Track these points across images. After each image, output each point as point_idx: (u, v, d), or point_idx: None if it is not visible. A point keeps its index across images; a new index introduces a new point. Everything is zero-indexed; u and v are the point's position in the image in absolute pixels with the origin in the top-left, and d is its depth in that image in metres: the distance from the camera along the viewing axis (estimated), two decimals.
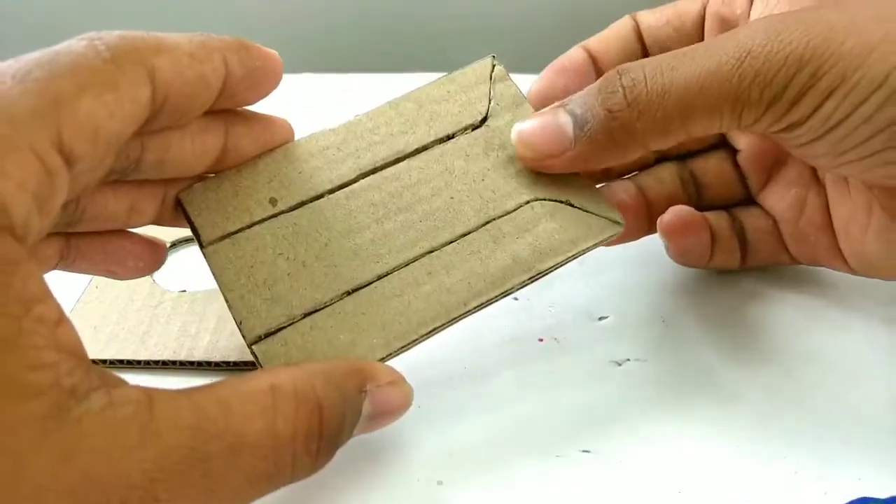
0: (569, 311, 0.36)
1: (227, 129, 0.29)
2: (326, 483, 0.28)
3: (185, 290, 0.37)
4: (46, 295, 0.20)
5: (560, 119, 0.30)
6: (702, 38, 0.34)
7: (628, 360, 0.33)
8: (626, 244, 0.37)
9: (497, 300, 0.29)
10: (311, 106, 0.49)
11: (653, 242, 0.39)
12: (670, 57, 0.28)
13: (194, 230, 0.29)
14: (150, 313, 0.36)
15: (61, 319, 0.20)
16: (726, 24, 0.33)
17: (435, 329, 0.28)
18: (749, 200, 0.37)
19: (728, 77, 0.27)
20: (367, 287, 0.28)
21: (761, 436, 0.30)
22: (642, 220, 0.36)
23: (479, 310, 0.28)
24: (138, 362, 0.33)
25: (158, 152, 0.27)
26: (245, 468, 0.22)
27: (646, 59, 0.29)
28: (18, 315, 0.19)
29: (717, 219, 0.36)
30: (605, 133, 0.29)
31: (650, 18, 0.35)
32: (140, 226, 0.30)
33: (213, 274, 0.28)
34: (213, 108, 0.27)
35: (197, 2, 0.63)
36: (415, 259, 0.29)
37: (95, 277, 0.37)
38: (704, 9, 0.34)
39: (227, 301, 0.28)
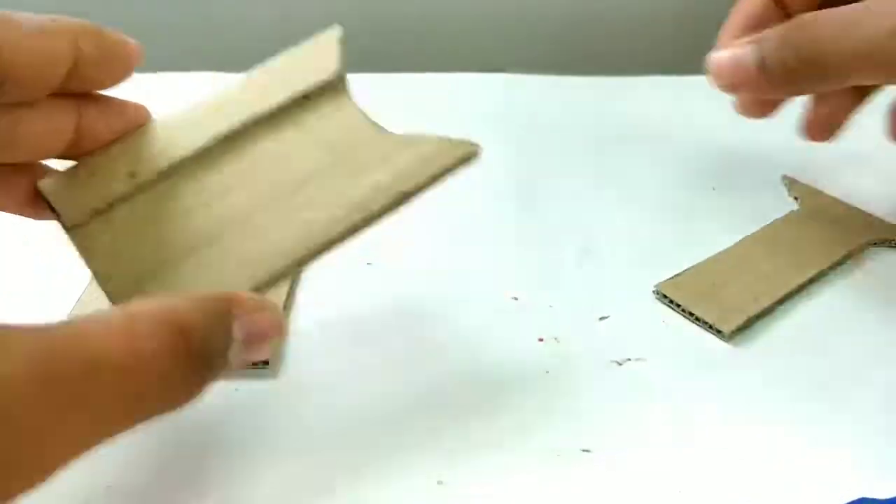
0: (569, 311, 0.36)
1: (81, 111, 0.29)
2: (325, 481, 0.28)
3: None
4: None
5: (749, 57, 0.35)
6: None
7: (629, 359, 0.33)
8: (628, 241, 0.37)
9: (363, 227, 0.29)
10: None
11: (653, 242, 0.39)
12: (839, 15, 0.33)
13: (56, 214, 0.29)
14: None
15: None
16: None
17: (300, 259, 0.28)
18: None
19: (886, 42, 0.32)
20: (226, 235, 0.29)
21: (761, 436, 0.30)
22: None
23: (344, 238, 0.28)
24: None
25: (8, 128, 0.27)
26: (110, 389, 0.21)
27: (818, 15, 0.33)
28: None
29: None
30: (781, 77, 0.35)
31: None
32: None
33: (80, 254, 0.28)
34: (65, 90, 0.28)
35: (197, 2, 0.63)
36: (274, 206, 0.29)
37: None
38: None
39: (95, 277, 0.28)
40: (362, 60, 0.58)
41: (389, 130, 0.30)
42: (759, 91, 0.36)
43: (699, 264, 0.38)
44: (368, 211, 0.28)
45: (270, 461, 0.29)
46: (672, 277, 0.37)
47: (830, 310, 0.36)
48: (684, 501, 0.28)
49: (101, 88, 0.29)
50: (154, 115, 0.30)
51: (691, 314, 0.35)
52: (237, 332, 0.25)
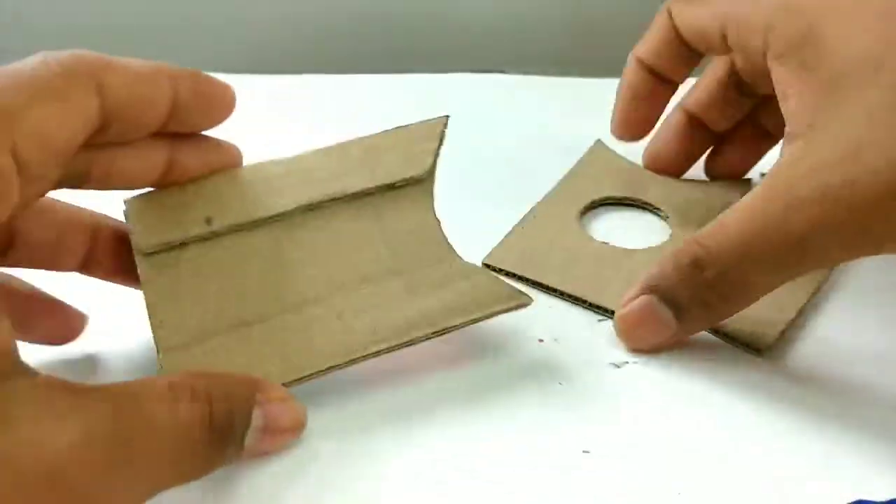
0: (569, 312, 0.36)
1: (174, 147, 0.30)
2: (327, 483, 0.28)
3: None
4: None
5: (659, 313, 0.32)
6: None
7: (627, 362, 0.33)
8: (627, 246, 0.37)
9: (398, 349, 0.30)
10: (311, 107, 0.49)
11: (654, 243, 0.39)
12: (730, 240, 0.30)
13: (131, 234, 0.29)
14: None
15: None
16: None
17: (332, 367, 0.29)
18: None
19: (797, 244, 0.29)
20: (277, 317, 0.29)
21: (761, 437, 0.30)
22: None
23: (378, 355, 0.29)
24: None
25: (105, 165, 0.28)
26: (160, 451, 0.23)
27: (707, 242, 0.30)
28: None
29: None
30: (704, 315, 0.32)
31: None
32: (66, 269, 0.31)
33: (141, 279, 0.29)
34: (162, 131, 0.29)
35: (196, 3, 0.62)
36: (327, 298, 0.30)
37: None
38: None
39: (147, 308, 0.29)
40: (361, 60, 0.58)
41: (452, 249, 0.32)
42: (681, 336, 0.33)
43: None
44: (409, 338, 0.30)
45: (270, 463, 0.29)
46: None
47: (826, 303, 0.36)
48: (684, 502, 0.28)
49: (197, 130, 0.30)
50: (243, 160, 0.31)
51: (725, 335, 0.34)
52: (257, 418, 0.26)
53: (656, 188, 0.41)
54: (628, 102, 0.40)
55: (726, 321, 0.33)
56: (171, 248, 0.29)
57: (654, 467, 0.29)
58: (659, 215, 0.40)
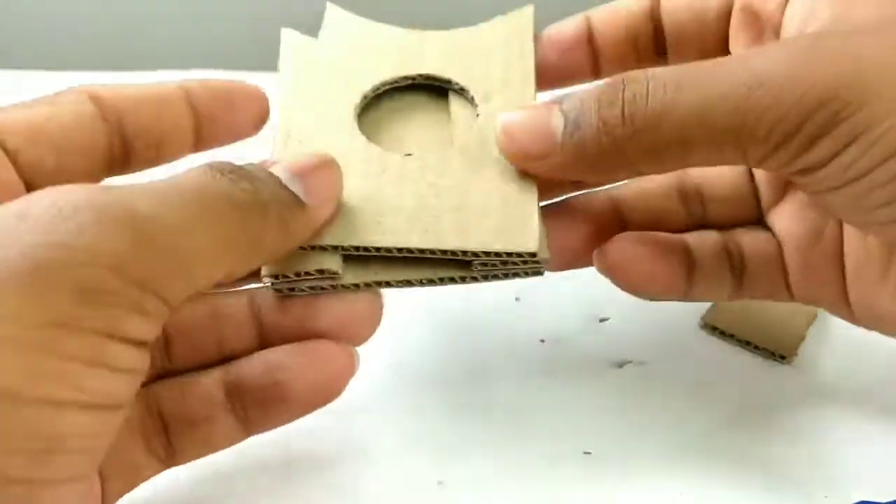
0: (571, 313, 0.35)
1: None
2: (325, 482, 0.28)
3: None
4: None
5: (552, 119, 0.26)
6: (725, 33, 0.31)
7: (629, 362, 0.33)
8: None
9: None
10: None
11: None
12: (678, 72, 0.25)
13: None
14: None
15: None
16: (756, 22, 0.30)
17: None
18: (755, 221, 0.32)
19: (733, 109, 0.24)
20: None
21: (762, 437, 0.30)
22: (679, 274, 0.30)
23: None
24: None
25: None
26: (224, 221, 0.23)
27: (653, 71, 0.26)
28: None
29: (703, 239, 0.31)
30: (596, 146, 0.26)
31: None
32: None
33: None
34: (206, 147, 0.29)
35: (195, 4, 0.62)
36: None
37: None
38: None
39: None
40: None
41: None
42: (560, 169, 0.27)
43: None
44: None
45: (267, 459, 0.29)
46: (711, 307, 0.35)
47: None
48: (684, 502, 0.28)
49: (236, 140, 0.30)
50: None
51: (748, 343, 0.33)
52: (280, 171, 0.25)
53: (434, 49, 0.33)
54: None
55: (748, 330, 0.31)
56: None
57: (654, 469, 0.29)
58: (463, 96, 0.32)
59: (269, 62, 0.51)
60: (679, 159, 0.25)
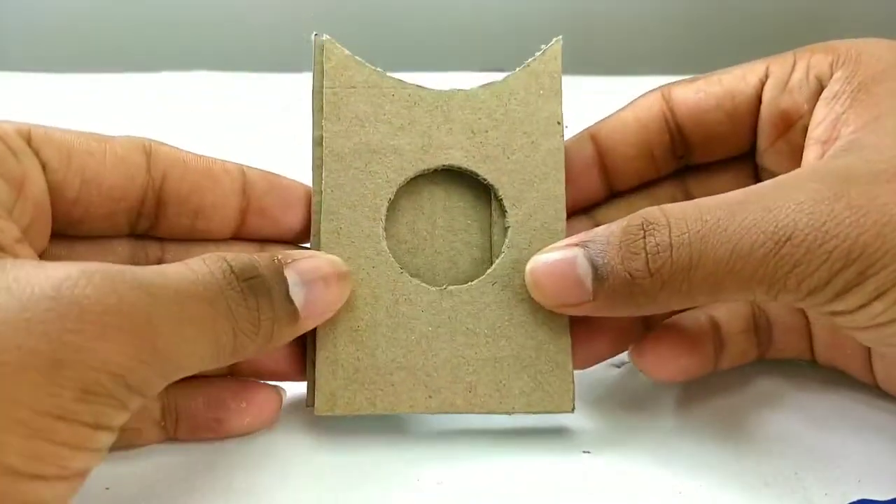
0: None
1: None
2: (325, 482, 0.28)
3: None
4: None
5: (578, 269, 0.27)
6: (754, 127, 0.31)
7: (626, 362, 0.33)
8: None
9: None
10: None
11: None
12: (700, 220, 0.25)
13: None
14: None
15: None
16: (787, 120, 0.30)
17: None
18: None
19: (762, 263, 0.24)
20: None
21: (762, 436, 0.30)
22: (709, 359, 0.31)
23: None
24: None
25: None
26: (197, 314, 0.24)
27: (671, 212, 0.26)
28: None
29: (733, 316, 0.32)
30: (627, 294, 0.26)
31: (688, 95, 0.31)
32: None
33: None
34: (247, 235, 0.30)
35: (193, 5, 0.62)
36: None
37: None
38: (760, 92, 0.31)
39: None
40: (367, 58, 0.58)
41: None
42: (595, 314, 0.28)
43: None
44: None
45: (272, 463, 0.29)
46: None
47: None
48: (684, 502, 0.28)
49: (281, 239, 0.31)
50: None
51: None
52: (291, 276, 0.26)
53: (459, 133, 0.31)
54: None
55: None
56: None
57: (653, 468, 0.29)
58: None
59: (272, 64, 0.52)
60: (710, 298, 0.26)
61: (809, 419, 0.31)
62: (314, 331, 0.29)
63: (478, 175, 0.30)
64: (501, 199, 0.30)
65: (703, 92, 0.31)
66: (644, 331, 0.32)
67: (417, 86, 0.30)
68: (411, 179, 0.30)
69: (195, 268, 0.24)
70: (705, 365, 0.31)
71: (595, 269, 0.26)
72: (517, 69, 0.30)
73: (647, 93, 0.32)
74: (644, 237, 0.26)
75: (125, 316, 0.22)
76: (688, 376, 0.31)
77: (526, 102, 0.30)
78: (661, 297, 0.26)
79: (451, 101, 0.30)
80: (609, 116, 0.32)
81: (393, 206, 0.30)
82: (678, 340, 0.31)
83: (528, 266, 0.28)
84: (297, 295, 0.26)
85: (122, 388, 0.22)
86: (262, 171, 0.30)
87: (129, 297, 0.22)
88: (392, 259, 0.29)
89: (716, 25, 0.65)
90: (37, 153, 0.26)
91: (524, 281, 0.29)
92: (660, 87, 0.32)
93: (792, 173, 0.26)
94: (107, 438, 0.22)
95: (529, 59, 0.30)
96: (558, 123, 0.30)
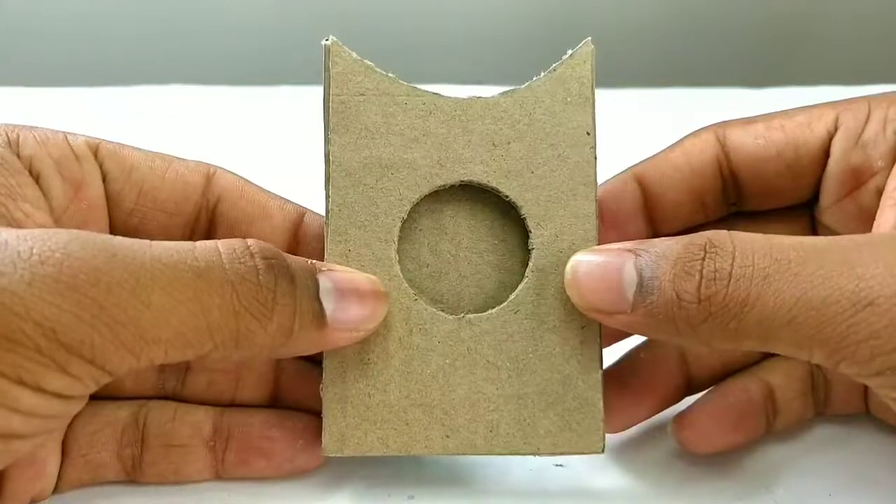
0: None
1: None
2: (295, 497, 0.28)
3: None
4: None
5: (624, 275, 0.24)
6: (818, 181, 0.29)
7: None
8: None
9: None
10: (292, 119, 0.49)
11: None
12: (768, 257, 0.23)
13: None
14: None
15: None
16: (858, 178, 0.28)
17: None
18: None
19: (831, 322, 0.22)
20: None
21: (733, 451, 0.30)
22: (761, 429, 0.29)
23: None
24: None
25: None
26: (206, 292, 0.22)
27: (742, 241, 0.23)
28: None
29: (790, 379, 0.29)
30: (667, 316, 0.24)
31: (746, 140, 0.29)
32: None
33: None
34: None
35: (179, 12, 0.62)
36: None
37: None
38: (827, 145, 0.28)
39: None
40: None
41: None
42: (628, 328, 0.26)
43: None
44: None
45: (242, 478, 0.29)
46: None
47: None
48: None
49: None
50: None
51: None
52: (324, 281, 0.25)
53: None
54: None
55: None
56: None
57: (625, 480, 0.29)
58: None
59: (264, 77, 0.52)
60: (756, 346, 0.24)
61: (780, 434, 0.30)
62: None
63: (499, 192, 0.28)
64: (525, 218, 0.27)
65: (762, 139, 0.28)
66: (685, 391, 0.30)
67: (433, 93, 0.28)
68: (432, 195, 0.28)
69: (200, 244, 0.23)
70: (755, 436, 0.29)
71: (641, 280, 0.24)
72: (542, 74, 0.28)
73: (698, 132, 0.30)
74: (704, 258, 0.23)
75: (66, 269, 0.20)
76: (733, 449, 0.29)
77: (552, 111, 0.28)
78: (704, 329, 0.23)
79: (469, 111, 0.28)
80: (655, 156, 0.30)
81: (413, 225, 0.28)
82: (726, 414, 0.28)
83: (571, 261, 0.26)
84: (327, 300, 0.24)
85: (54, 346, 0.20)
86: (317, 215, 0.29)
87: (81, 253, 0.21)
88: (406, 284, 0.27)
89: (710, 34, 0.65)
90: (101, 164, 0.27)
91: (550, 308, 0.27)
92: (712, 126, 0.30)
93: (874, 234, 0.24)
94: (42, 402, 0.21)
95: (555, 64, 0.28)
96: (588, 134, 0.28)
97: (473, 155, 0.27)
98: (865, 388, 0.29)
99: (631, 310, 0.24)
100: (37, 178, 0.25)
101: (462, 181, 0.27)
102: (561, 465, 0.29)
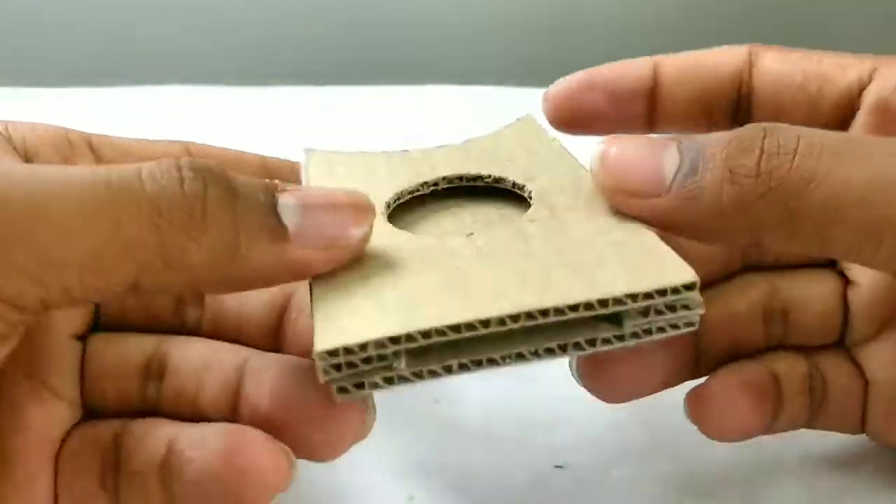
0: None
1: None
2: (295, 498, 0.28)
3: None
4: None
5: (665, 155, 0.22)
6: (834, 123, 0.27)
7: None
8: None
9: None
10: (287, 119, 0.49)
11: None
12: (836, 137, 0.21)
13: None
14: None
15: None
16: (891, 120, 0.26)
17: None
18: (835, 344, 0.28)
19: None
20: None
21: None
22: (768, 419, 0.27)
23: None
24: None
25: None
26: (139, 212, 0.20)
27: (802, 129, 0.21)
28: None
29: (793, 373, 0.27)
30: (714, 197, 0.21)
31: (776, 62, 0.28)
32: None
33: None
34: None
35: (179, 13, 0.63)
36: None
37: None
38: (856, 90, 0.27)
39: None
40: (339, 73, 0.58)
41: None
42: (661, 217, 0.22)
43: None
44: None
45: None
46: None
47: None
48: None
49: None
50: None
51: None
52: (287, 197, 0.21)
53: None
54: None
55: None
56: None
57: (632, 479, 0.29)
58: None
59: (264, 77, 0.52)
60: (812, 241, 0.21)
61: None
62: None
63: (481, 176, 0.27)
64: (514, 184, 0.26)
65: (791, 65, 0.27)
66: (694, 370, 0.27)
67: (403, 150, 0.29)
68: (420, 205, 0.27)
69: (122, 165, 0.20)
70: (763, 426, 0.27)
71: (683, 159, 0.22)
72: (490, 132, 0.30)
73: (734, 46, 0.28)
74: (764, 137, 0.21)
75: None
76: (742, 437, 0.27)
77: (517, 140, 0.29)
78: (758, 208, 0.21)
79: (440, 150, 0.29)
80: (682, 53, 0.29)
81: (408, 228, 0.26)
82: (743, 390, 0.26)
83: (600, 146, 0.23)
84: (290, 215, 0.21)
85: None
86: (281, 160, 0.30)
87: None
88: (405, 232, 0.24)
89: (710, 34, 0.65)
90: (96, 151, 0.27)
91: (569, 218, 0.23)
92: (751, 45, 0.28)
93: None
94: None
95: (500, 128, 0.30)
96: (554, 139, 0.28)
97: (448, 166, 0.28)
98: (865, 400, 0.27)
99: (668, 191, 0.22)
100: (32, 160, 0.25)
101: (444, 176, 0.27)
102: (561, 467, 0.29)
